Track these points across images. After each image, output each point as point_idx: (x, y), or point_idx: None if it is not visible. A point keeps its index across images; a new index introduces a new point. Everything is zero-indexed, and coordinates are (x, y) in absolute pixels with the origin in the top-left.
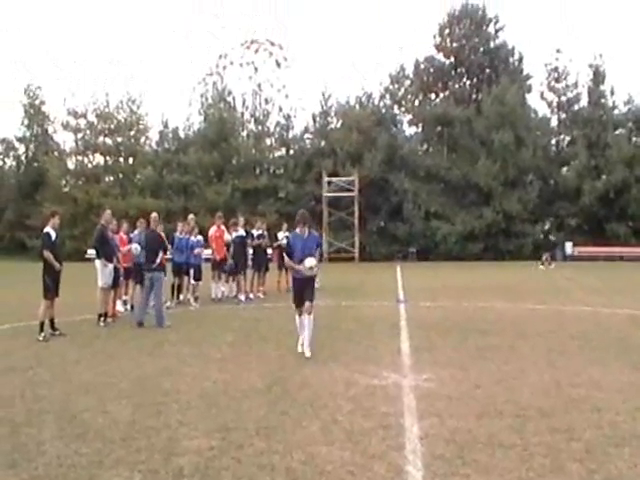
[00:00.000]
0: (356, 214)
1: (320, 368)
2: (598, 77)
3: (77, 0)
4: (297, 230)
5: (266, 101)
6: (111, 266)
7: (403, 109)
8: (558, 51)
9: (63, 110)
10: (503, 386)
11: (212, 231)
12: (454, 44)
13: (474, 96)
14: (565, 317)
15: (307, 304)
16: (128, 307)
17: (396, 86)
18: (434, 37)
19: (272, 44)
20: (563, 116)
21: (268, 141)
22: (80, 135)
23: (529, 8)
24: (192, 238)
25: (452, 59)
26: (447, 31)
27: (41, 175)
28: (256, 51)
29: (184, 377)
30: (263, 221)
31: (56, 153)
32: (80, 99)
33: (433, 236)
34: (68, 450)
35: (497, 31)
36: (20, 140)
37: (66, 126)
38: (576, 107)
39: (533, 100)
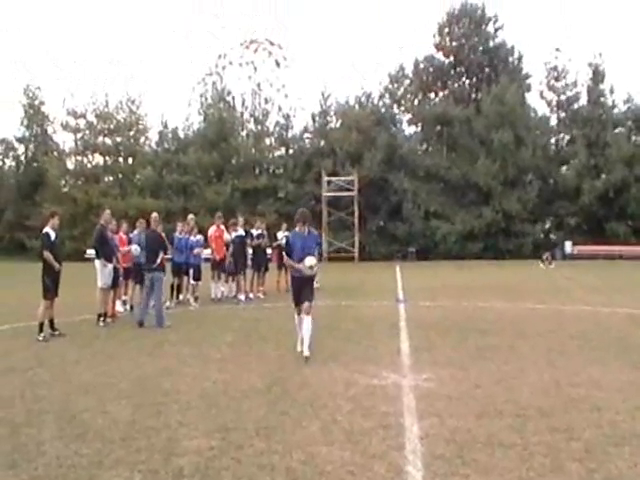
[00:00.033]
0: (356, 214)
1: (320, 368)
2: (597, 76)
3: (77, 0)
4: (297, 229)
5: (265, 101)
6: (111, 266)
7: (402, 109)
8: (557, 50)
9: (63, 110)
10: (503, 386)
11: (212, 231)
12: (453, 43)
13: (473, 95)
14: (565, 316)
15: (306, 305)
16: (128, 307)
17: (395, 86)
18: (433, 36)
19: (272, 44)
20: (562, 115)
21: (267, 141)
22: (79, 135)
23: (528, 7)
24: (192, 238)
25: (451, 58)
26: (446, 30)
27: (40, 175)
28: (255, 51)
29: (184, 377)
30: (262, 221)
31: (55, 153)
32: (80, 99)
33: (433, 236)
34: (68, 450)
35: (496, 30)
36: (20, 140)
37: (65, 126)
38: (575, 106)
39: (532, 99)
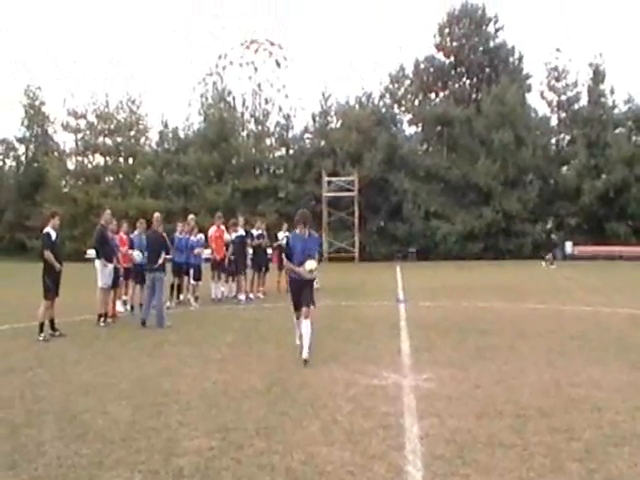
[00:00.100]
0: (356, 214)
1: (320, 368)
2: (598, 76)
3: (77, 0)
4: (297, 230)
5: (266, 101)
6: (111, 266)
7: (403, 109)
8: (558, 50)
9: (63, 110)
10: (503, 386)
11: (212, 231)
12: (454, 44)
13: (474, 96)
14: (565, 317)
15: (304, 309)
16: (128, 307)
17: (396, 86)
18: (434, 37)
19: (272, 44)
20: (563, 115)
21: (268, 141)
22: (80, 135)
23: (529, 7)
24: (192, 238)
25: (452, 59)
26: (447, 31)
27: (41, 176)
28: (256, 51)
29: (184, 378)
30: (263, 221)
31: (56, 154)
32: (80, 99)
33: (433, 236)
34: (68, 451)
35: (497, 30)
36: (20, 140)
37: (66, 126)
38: (576, 106)
39: (533, 99)
